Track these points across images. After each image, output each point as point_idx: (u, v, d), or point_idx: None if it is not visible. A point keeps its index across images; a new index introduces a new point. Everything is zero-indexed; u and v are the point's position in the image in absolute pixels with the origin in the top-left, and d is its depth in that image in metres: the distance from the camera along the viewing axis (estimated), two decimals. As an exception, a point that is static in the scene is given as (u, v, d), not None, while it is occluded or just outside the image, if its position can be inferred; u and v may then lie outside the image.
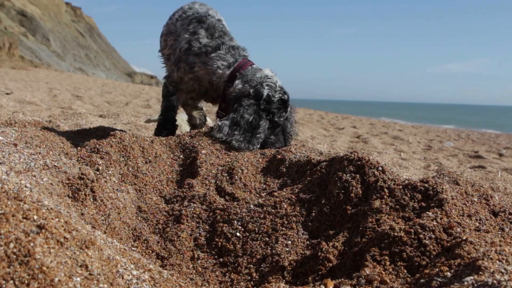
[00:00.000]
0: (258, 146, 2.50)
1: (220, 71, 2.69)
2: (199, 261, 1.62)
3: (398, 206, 1.54)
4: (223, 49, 2.70)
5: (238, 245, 1.64)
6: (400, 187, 1.61)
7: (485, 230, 1.45)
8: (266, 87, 2.56)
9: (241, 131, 2.44)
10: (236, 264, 1.59)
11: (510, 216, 1.58)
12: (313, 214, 1.68)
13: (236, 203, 1.80)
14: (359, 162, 1.76)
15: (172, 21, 2.90)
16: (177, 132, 3.36)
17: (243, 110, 2.51)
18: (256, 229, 1.67)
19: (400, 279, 1.24)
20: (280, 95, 2.60)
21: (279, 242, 1.60)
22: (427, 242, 1.30)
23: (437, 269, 1.15)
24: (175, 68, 2.78)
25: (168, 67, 2.94)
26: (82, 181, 1.70)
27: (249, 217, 1.72)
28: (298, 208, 1.72)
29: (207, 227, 1.74)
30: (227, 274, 1.57)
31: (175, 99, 2.89)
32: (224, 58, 2.69)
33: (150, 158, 2.09)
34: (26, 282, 0.94)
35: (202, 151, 2.15)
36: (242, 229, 1.69)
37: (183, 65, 2.74)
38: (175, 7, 2.99)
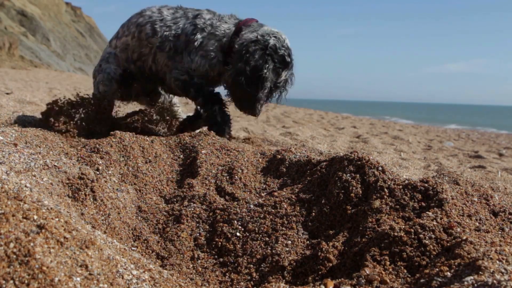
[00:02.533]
0: (265, 101, 2.56)
1: (228, 31, 2.69)
2: (199, 261, 1.62)
3: (398, 206, 1.54)
4: (225, 17, 2.74)
5: (238, 245, 1.64)
6: (400, 187, 1.61)
7: (485, 230, 1.45)
8: (273, 37, 2.58)
9: (246, 81, 2.46)
10: (236, 264, 1.59)
11: (510, 216, 1.58)
12: (313, 214, 1.68)
13: (236, 203, 1.80)
14: (359, 162, 1.76)
15: (152, 12, 2.80)
16: None
17: (249, 56, 2.51)
18: (256, 229, 1.67)
19: (400, 279, 1.24)
20: (284, 52, 2.58)
21: (279, 242, 1.60)
22: (427, 242, 1.31)
23: (437, 269, 1.15)
24: (186, 53, 2.69)
25: (171, 61, 2.74)
26: (82, 181, 1.70)
27: (249, 217, 1.72)
28: (298, 208, 1.72)
29: (207, 227, 1.74)
30: (227, 274, 1.57)
31: (199, 81, 2.73)
32: (229, 22, 2.72)
33: (150, 158, 2.09)
34: (26, 282, 0.94)
35: (202, 151, 2.15)
36: (242, 229, 1.69)
37: (192, 45, 2.68)
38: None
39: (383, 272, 1.25)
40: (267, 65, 2.51)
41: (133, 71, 2.95)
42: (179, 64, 2.72)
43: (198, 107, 2.82)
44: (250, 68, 2.49)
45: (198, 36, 2.67)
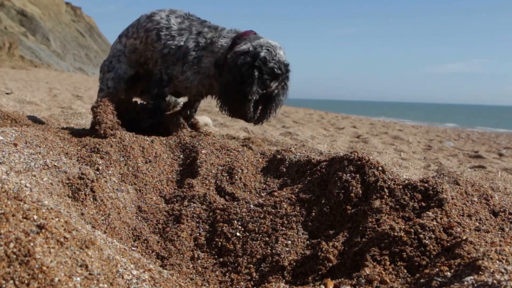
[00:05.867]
0: (251, 114, 2.59)
1: (225, 45, 2.72)
2: (199, 261, 1.62)
3: (398, 206, 1.54)
4: (225, 32, 2.78)
5: (238, 245, 1.64)
6: (400, 187, 1.61)
7: (485, 230, 1.45)
8: (264, 50, 2.58)
9: (231, 95, 2.53)
10: (236, 264, 1.59)
11: (510, 216, 1.58)
12: (313, 214, 1.68)
13: (236, 203, 1.80)
14: (359, 162, 1.76)
15: (160, 17, 2.89)
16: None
17: (236, 68, 2.55)
18: (256, 229, 1.67)
19: (400, 279, 1.24)
20: (274, 65, 2.58)
21: (279, 242, 1.60)
22: (427, 242, 1.30)
23: (437, 269, 1.15)
24: (180, 63, 2.79)
25: (167, 60, 2.86)
26: (82, 181, 1.70)
27: (249, 217, 1.72)
28: (298, 208, 1.72)
29: (207, 227, 1.73)
30: (227, 274, 1.57)
31: (167, 90, 2.88)
32: (227, 36, 2.75)
33: (150, 158, 2.09)
34: (26, 282, 0.94)
35: (202, 151, 2.15)
36: (242, 229, 1.69)
37: (190, 58, 2.76)
38: (172, 6, 3.01)
39: (383, 272, 1.25)
40: (251, 79, 2.54)
41: (142, 73, 3.07)
42: (171, 66, 2.83)
43: (150, 98, 2.96)
44: (234, 80, 2.55)
45: (199, 53, 2.76)
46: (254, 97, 2.56)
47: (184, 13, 2.93)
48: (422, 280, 1.14)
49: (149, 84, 3.07)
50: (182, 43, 2.79)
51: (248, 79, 2.52)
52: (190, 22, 2.86)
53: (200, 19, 2.92)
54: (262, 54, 2.55)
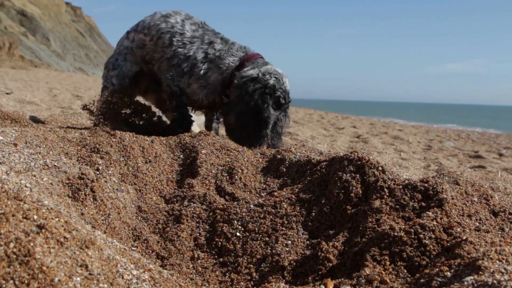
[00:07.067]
0: (266, 141, 2.57)
1: (232, 64, 2.72)
2: (199, 261, 1.62)
3: (398, 206, 1.54)
4: (234, 48, 2.78)
5: (238, 245, 1.64)
6: (400, 187, 1.61)
7: (485, 230, 1.45)
8: (273, 78, 2.60)
9: (248, 122, 2.48)
10: (236, 264, 1.58)
11: (510, 216, 1.58)
12: (313, 214, 1.68)
13: (236, 203, 1.80)
14: (359, 162, 1.76)
15: (176, 21, 2.89)
16: None
17: (249, 96, 2.55)
18: (256, 229, 1.67)
19: (400, 279, 1.24)
20: (280, 94, 2.62)
21: (279, 242, 1.60)
22: (427, 242, 1.31)
23: (437, 269, 1.15)
24: (187, 76, 2.80)
25: (172, 70, 2.89)
26: (82, 181, 1.70)
27: (249, 217, 1.72)
28: (298, 208, 1.72)
29: (207, 227, 1.73)
30: (227, 274, 1.57)
31: (184, 99, 2.88)
32: (235, 55, 2.75)
33: (150, 158, 2.09)
34: (26, 282, 0.94)
35: (202, 151, 2.15)
36: (242, 229, 1.69)
37: (197, 71, 2.77)
38: (173, 6, 3.01)
39: (383, 272, 1.25)
40: (266, 105, 2.56)
41: (145, 71, 3.09)
42: (177, 77, 2.84)
43: (172, 110, 2.96)
44: (251, 109, 2.56)
45: (205, 66, 2.77)
46: (272, 122, 2.58)
47: (200, 21, 2.94)
48: (422, 280, 1.14)
49: (153, 84, 3.09)
50: (191, 53, 2.79)
51: (263, 105, 2.55)
52: (203, 31, 2.86)
53: (215, 30, 2.92)
54: (271, 82, 2.58)
